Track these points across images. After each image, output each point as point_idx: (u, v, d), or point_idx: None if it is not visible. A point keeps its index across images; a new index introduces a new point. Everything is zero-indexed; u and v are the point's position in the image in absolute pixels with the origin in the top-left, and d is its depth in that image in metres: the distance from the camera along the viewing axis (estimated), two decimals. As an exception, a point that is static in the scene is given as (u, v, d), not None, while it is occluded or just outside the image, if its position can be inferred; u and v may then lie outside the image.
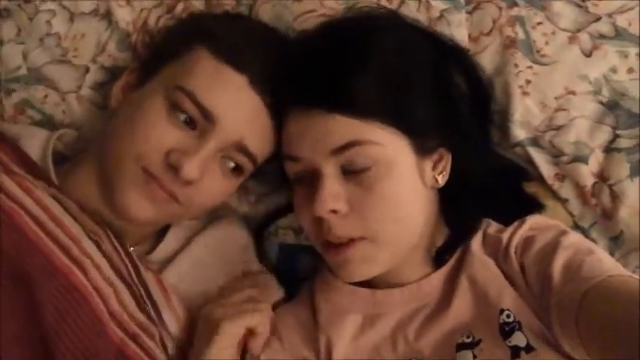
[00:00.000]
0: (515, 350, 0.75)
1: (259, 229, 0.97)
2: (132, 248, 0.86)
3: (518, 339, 0.75)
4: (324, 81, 0.76)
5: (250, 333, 0.80)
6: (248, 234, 0.96)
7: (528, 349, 0.74)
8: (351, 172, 0.76)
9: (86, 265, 0.74)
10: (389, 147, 0.76)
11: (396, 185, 0.77)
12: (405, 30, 0.85)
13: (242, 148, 0.80)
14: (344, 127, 0.75)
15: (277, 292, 0.92)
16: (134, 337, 0.75)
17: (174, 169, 0.77)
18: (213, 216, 0.93)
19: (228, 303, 0.82)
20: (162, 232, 0.91)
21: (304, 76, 0.78)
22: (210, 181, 0.80)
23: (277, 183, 0.94)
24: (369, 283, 0.85)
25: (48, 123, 0.94)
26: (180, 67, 0.80)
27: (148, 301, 0.80)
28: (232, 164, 0.82)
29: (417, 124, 0.78)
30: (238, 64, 0.78)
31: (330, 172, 0.76)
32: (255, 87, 0.79)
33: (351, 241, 0.77)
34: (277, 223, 0.97)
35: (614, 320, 0.66)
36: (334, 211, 0.76)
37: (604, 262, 0.74)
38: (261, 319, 0.80)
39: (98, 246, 0.77)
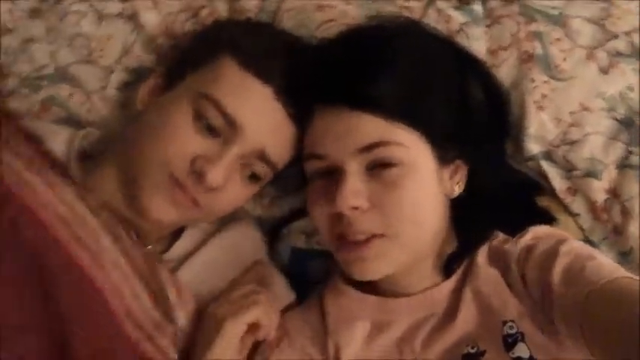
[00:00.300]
0: None
1: (272, 232, 0.98)
2: (149, 247, 0.87)
3: (521, 350, 0.75)
4: (353, 78, 0.77)
5: (255, 327, 0.81)
6: (261, 236, 0.97)
7: None
8: (374, 171, 0.77)
9: (104, 262, 0.75)
10: (413, 150, 0.77)
11: (418, 187, 0.77)
12: (427, 38, 0.86)
13: (263, 157, 0.82)
14: (371, 126, 0.76)
15: (288, 295, 0.93)
16: (150, 338, 0.76)
17: (198, 175, 0.78)
18: (228, 218, 0.94)
19: (228, 300, 0.83)
20: (177, 233, 0.92)
21: (333, 73, 0.79)
22: (231, 188, 0.81)
23: (291, 186, 0.95)
24: (378, 291, 0.86)
25: (72, 121, 0.96)
26: (205, 74, 0.81)
27: (162, 299, 0.81)
28: (252, 172, 0.83)
29: (439, 132, 0.78)
30: (263, 76, 0.80)
31: (353, 169, 0.77)
32: (279, 98, 0.81)
33: (369, 238, 0.77)
34: (290, 227, 0.98)
35: (618, 322, 0.66)
36: (355, 208, 0.76)
37: (606, 266, 0.74)
38: (261, 311, 0.80)
39: (117, 242, 0.78)
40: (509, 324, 0.77)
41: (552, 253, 0.77)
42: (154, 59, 0.96)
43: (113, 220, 0.80)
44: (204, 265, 0.89)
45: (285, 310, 0.91)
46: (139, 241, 0.82)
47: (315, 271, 0.98)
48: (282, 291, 0.93)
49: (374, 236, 0.77)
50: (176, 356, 0.79)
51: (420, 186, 0.78)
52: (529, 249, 0.81)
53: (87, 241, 0.75)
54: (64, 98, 0.96)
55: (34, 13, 0.96)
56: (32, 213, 0.73)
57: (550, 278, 0.75)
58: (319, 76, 0.80)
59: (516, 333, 0.77)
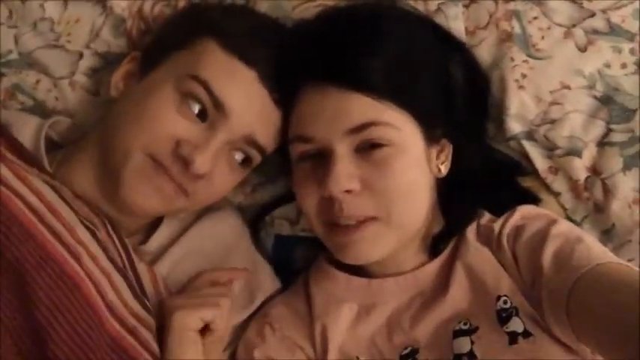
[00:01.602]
0: (513, 336, 0.74)
1: (255, 220, 0.95)
2: (130, 238, 0.84)
3: (516, 325, 0.75)
4: (341, 58, 0.75)
5: (207, 328, 0.76)
6: (243, 223, 0.94)
7: (526, 334, 0.74)
8: (363, 152, 0.75)
9: (81, 254, 0.71)
10: (403, 130, 0.75)
11: (408, 167, 0.76)
12: (410, 18, 0.85)
13: (252, 142, 0.79)
14: (361, 106, 0.74)
15: (273, 283, 0.91)
16: (132, 331, 0.72)
17: (183, 161, 0.75)
18: (208, 207, 0.90)
19: (189, 294, 0.80)
20: (155, 223, 0.88)
21: (322, 53, 0.77)
22: (218, 174, 0.78)
23: (273, 173, 0.93)
24: (364, 272, 0.84)
25: (40, 109, 0.92)
26: (189, 56, 0.78)
27: (140, 292, 0.77)
28: (241, 157, 0.80)
29: (426, 111, 0.78)
30: (248, 60, 0.77)
31: (344, 151, 0.74)
32: (263, 83, 0.78)
33: (362, 222, 0.75)
34: (273, 214, 0.95)
35: (605, 307, 0.66)
36: (348, 191, 0.74)
37: (593, 250, 0.73)
38: (217, 314, 0.76)
39: (93, 234, 0.75)
40: (503, 299, 0.76)
41: (542, 236, 0.77)
42: (124, 44, 0.91)
43: (88, 211, 0.77)
44: (184, 256, 0.86)
45: (270, 299, 0.88)
46: (117, 231, 0.79)
47: (299, 258, 0.96)
48: (268, 279, 0.91)
49: (366, 220, 0.75)
50: (158, 349, 0.75)
51: (410, 166, 0.76)
52: (519, 229, 0.80)
53: (62, 234, 0.72)
54: (30, 85, 0.91)
55: (-5, -3, 0.91)
56: (3, 206, 0.69)
57: (540, 261, 0.74)
58: (307, 56, 0.78)
59: (510, 307, 0.76)
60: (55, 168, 0.80)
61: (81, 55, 0.92)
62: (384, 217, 0.75)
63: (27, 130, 0.82)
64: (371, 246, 0.76)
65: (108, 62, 0.91)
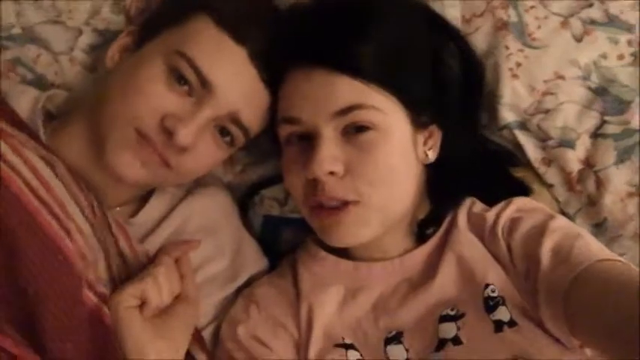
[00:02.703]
0: (499, 324, 0.74)
1: (244, 199, 0.95)
2: (118, 209, 0.85)
3: (502, 314, 0.74)
4: (330, 40, 0.75)
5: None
6: (232, 202, 0.94)
7: (511, 323, 0.74)
8: (349, 136, 0.75)
9: (70, 228, 0.72)
10: (389, 115, 0.75)
11: (393, 152, 0.75)
12: (405, 4, 0.84)
13: (236, 120, 0.79)
14: (348, 89, 0.73)
15: (261, 261, 0.91)
16: (104, 300, 0.72)
17: (168, 133, 0.75)
18: (198, 183, 0.91)
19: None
20: (146, 197, 0.88)
21: (309, 34, 0.77)
22: (203, 149, 0.79)
23: (264, 153, 0.93)
24: (351, 256, 0.83)
25: (39, 82, 0.93)
26: (180, 32, 0.78)
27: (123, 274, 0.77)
28: (226, 136, 0.80)
29: (414, 97, 0.77)
30: (239, 36, 0.77)
31: (329, 134, 0.74)
32: (253, 61, 0.78)
33: (344, 204, 0.75)
34: (262, 194, 0.95)
35: (603, 304, 0.65)
36: (331, 173, 0.74)
37: (592, 247, 0.72)
38: (147, 287, 0.73)
39: (82, 211, 0.75)
40: (491, 287, 0.76)
41: (540, 229, 0.76)
42: (123, 21, 0.92)
43: (78, 187, 0.77)
44: (173, 232, 0.86)
45: (256, 278, 0.89)
46: (103, 211, 0.79)
47: (287, 239, 0.96)
48: (254, 256, 0.91)
49: (348, 203, 0.75)
50: None
51: (394, 151, 0.76)
52: (514, 221, 0.79)
53: (54, 208, 0.72)
54: (30, 59, 0.93)
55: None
56: None
57: (538, 256, 0.73)
58: (297, 38, 0.78)
59: (497, 296, 0.75)
60: (49, 137, 0.81)
61: (80, 32, 0.93)
62: (366, 201, 0.75)
63: (25, 100, 0.83)
64: (355, 228, 0.76)
65: (107, 39, 0.92)
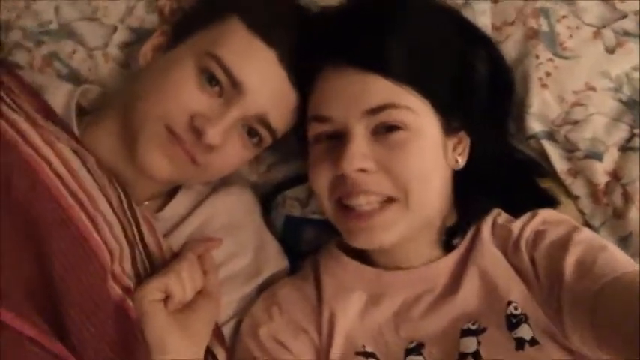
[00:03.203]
0: (520, 342, 0.73)
1: (267, 198, 0.95)
2: (145, 203, 0.87)
3: (524, 331, 0.73)
4: (364, 39, 0.75)
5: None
6: (255, 201, 0.95)
7: (533, 342, 0.72)
8: (379, 136, 0.74)
9: (98, 220, 0.73)
10: (420, 116, 0.74)
11: (424, 151, 0.75)
12: (437, 10, 0.84)
13: (264, 122, 0.80)
14: (380, 88, 0.73)
15: (281, 261, 0.92)
16: (128, 292, 0.73)
17: (197, 132, 0.76)
18: (223, 182, 0.92)
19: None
20: (173, 192, 0.90)
21: (342, 34, 0.77)
22: (230, 149, 0.80)
23: (288, 153, 0.93)
24: (375, 263, 0.83)
25: (73, 77, 0.94)
26: (212, 34, 0.79)
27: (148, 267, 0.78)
28: (253, 137, 0.81)
29: (445, 101, 0.76)
30: (269, 39, 0.78)
31: (360, 132, 0.74)
32: (283, 63, 0.79)
33: (378, 208, 0.74)
34: (285, 195, 0.95)
35: (630, 317, 0.63)
36: (361, 170, 0.73)
37: (618, 259, 0.71)
38: (170, 279, 0.74)
39: (110, 204, 0.76)
40: (514, 304, 0.75)
41: (564, 242, 0.74)
42: (156, 20, 0.94)
43: (108, 180, 0.79)
44: (197, 228, 0.87)
45: (277, 276, 0.89)
46: (130, 205, 0.80)
47: (308, 240, 0.96)
48: (275, 255, 0.91)
49: (383, 206, 0.74)
50: None
51: (426, 150, 0.75)
52: (539, 234, 0.78)
53: (83, 201, 0.73)
54: (66, 54, 0.94)
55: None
56: (27, 163, 0.71)
57: (562, 268, 0.72)
58: (329, 37, 0.78)
59: (521, 314, 0.74)
60: (82, 131, 0.83)
61: (115, 29, 0.95)
62: (402, 199, 0.74)
63: (60, 94, 0.85)
64: (383, 232, 0.75)
65: (140, 37, 0.93)
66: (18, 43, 0.96)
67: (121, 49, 0.96)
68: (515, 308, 0.75)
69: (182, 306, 0.75)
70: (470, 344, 0.75)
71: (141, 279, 0.75)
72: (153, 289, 0.73)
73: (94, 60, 0.96)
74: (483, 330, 0.75)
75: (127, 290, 0.73)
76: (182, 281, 0.75)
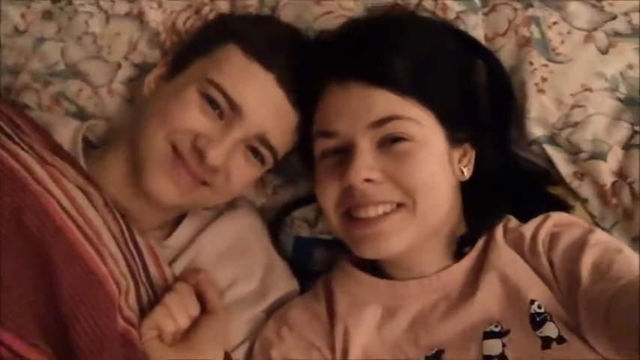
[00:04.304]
0: (547, 341, 0.72)
1: (275, 220, 0.95)
2: (153, 233, 0.87)
3: (550, 330, 0.72)
4: (367, 54, 0.76)
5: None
6: (262, 223, 0.95)
7: (560, 340, 0.72)
8: (385, 148, 0.74)
9: (105, 255, 0.74)
10: (425, 127, 0.75)
11: (430, 160, 0.75)
12: (434, 24, 0.85)
13: (264, 141, 0.81)
14: (385, 101, 0.74)
15: (290, 283, 0.91)
16: (134, 325, 0.74)
17: (200, 153, 0.78)
18: (229, 205, 0.93)
19: None
20: (179, 219, 0.90)
21: (346, 48, 0.79)
22: (235, 168, 0.81)
23: (294, 174, 0.94)
24: (387, 275, 0.82)
25: (80, 114, 0.96)
26: (211, 61, 0.82)
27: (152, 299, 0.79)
28: (256, 157, 0.83)
29: (449, 113, 0.77)
30: (267, 63, 0.80)
31: (365, 144, 0.74)
32: (281, 85, 0.81)
33: (386, 213, 0.74)
34: (293, 216, 0.95)
35: None
36: (368, 180, 0.73)
37: (634, 261, 0.70)
38: (158, 315, 0.75)
39: (115, 240, 0.78)
40: (537, 303, 0.74)
41: (580, 244, 0.74)
42: (159, 55, 0.96)
43: (112, 214, 0.80)
44: (203, 253, 0.88)
45: (286, 298, 0.88)
46: (135, 241, 0.81)
47: (318, 260, 0.95)
48: (283, 277, 0.91)
49: (391, 211, 0.74)
50: None
51: (431, 160, 0.75)
52: (554, 236, 0.77)
53: (90, 236, 0.74)
54: (73, 93, 0.97)
55: (47, 15, 0.99)
56: (37, 201, 0.72)
57: (578, 271, 0.71)
58: (333, 53, 0.79)
59: (545, 312, 0.73)
60: (89, 165, 0.84)
61: (119, 66, 0.97)
62: (410, 205, 0.74)
63: (66, 130, 0.87)
64: (389, 238, 0.75)
65: (143, 72, 0.95)
66: (26, 85, 0.98)
67: (126, 85, 0.98)
68: (539, 307, 0.74)
69: (184, 334, 0.76)
70: (495, 347, 0.74)
71: (145, 312, 0.76)
72: (144, 329, 0.74)
73: (99, 97, 0.98)
74: (507, 332, 0.74)
75: (129, 322, 0.73)
76: (172, 313, 0.75)
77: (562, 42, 0.90)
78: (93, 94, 0.98)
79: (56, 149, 0.83)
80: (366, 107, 0.74)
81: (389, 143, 0.75)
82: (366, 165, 0.73)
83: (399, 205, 0.75)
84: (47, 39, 0.99)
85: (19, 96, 0.98)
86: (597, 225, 0.88)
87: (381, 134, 0.74)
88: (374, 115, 0.74)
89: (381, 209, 0.75)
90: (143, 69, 0.97)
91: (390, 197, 0.74)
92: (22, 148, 0.78)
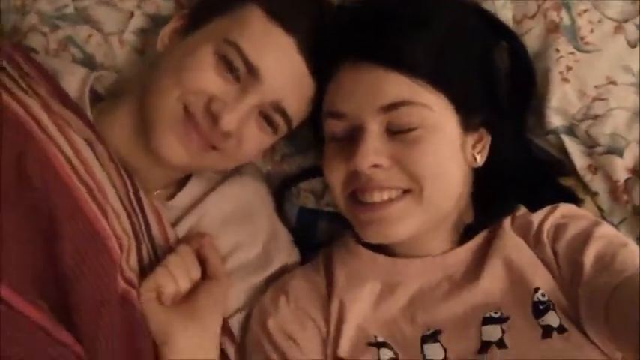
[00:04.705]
0: (547, 330, 0.72)
1: (281, 189, 0.93)
2: (157, 192, 0.85)
3: (551, 319, 0.72)
4: (381, 35, 0.74)
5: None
6: (268, 191, 0.93)
7: (561, 329, 0.71)
8: (395, 132, 0.72)
9: (108, 212, 0.72)
10: (437, 112, 0.73)
11: (440, 147, 0.73)
12: (460, 5, 0.82)
13: (280, 109, 0.79)
14: (396, 84, 0.72)
15: (292, 253, 0.90)
16: (134, 286, 0.73)
17: (213, 117, 0.75)
18: (235, 171, 0.90)
19: None
20: (184, 181, 0.88)
21: (360, 29, 0.76)
22: (247, 135, 0.79)
23: (304, 144, 0.92)
24: (390, 253, 0.81)
25: (89, 62, 0.93)
26: (231, 21, 0.78)
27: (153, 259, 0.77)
28: (269, 124, 0.80)
29: (465, 98, 0.75)
30: (288, 26, 0.77)
31: (374, 128, 0.72)
32: (301, 51, 0.77)
33: (392, 199, 0.73)
34: (299, 186, 0.93)
35: None
36: (375, 166, 0.72)
37: (637, 255, 0.70)
38: (159, 275, 0.74)
39: (118, 195, 0.75)
40: (541, 291, 0.73)
41: (585, 236, 0.74)
42: (172, 7, 0.92)
43: (117, 173, 0.77)
44: (207, 216, 0.86)
45: (287, 269, 0.87)
46: (138, 197, 0.79)
47: (322, 232, 0.94)
48: (286, 246, 0.90)
49: (397, 196, 0.73)
50: None
51: (442, 147, 0.73)
52: (560, 227, 0.77)
53: (94, 191, 0.72)
54: (82, 39, 0.93)
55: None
56: (42, 150, 0.70)
57: (581, 262, 0.71)
58: (349, 31, 0.77)
59: (547, 301, 0.72)
60: (95, 116, 0.81)
61: (132, 14, 0.93)
62: (417, 191, 0.73)
63: (74, 79, 0.84)
64: (396, 224, 0.74)
65: (156, 24, 0.92)
66: (33, 27, 0.94)
67: (137, 36, 0.94)
68: (543, 295, 0.73)
69: (184, 296, 0.75)
70: (493, 332, 0.73)
71: (146, 272, 0.75)
72: (144, 289, 0.73)
73: (109, 45, 0.94)
74: (506, 318, 0.74)
75: (130, 283, 0.72)
76: (172, 274, 0.74)
77: (591, 31, 0.88)
78: (103, 41, 0.94)
79: (63, 98, 0.80)
80: (376, 90, 0.72)
81: (399, 128, 0.73)
82: (374, 150, 0.72)
83: (406, 192, 0.74)
84: (57, -21, 0.94)
85: (25, 38, 0.94)
86: (605, 220, 0.87)
87: (390, 119, 0.73)
88: (384, 98, 0.72)
89: (386, 195, 0.74)
90: (156, 20, 0.93)
91: (396, 183, 0.73)
92: (29, 95, 0.75)
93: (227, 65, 0.77)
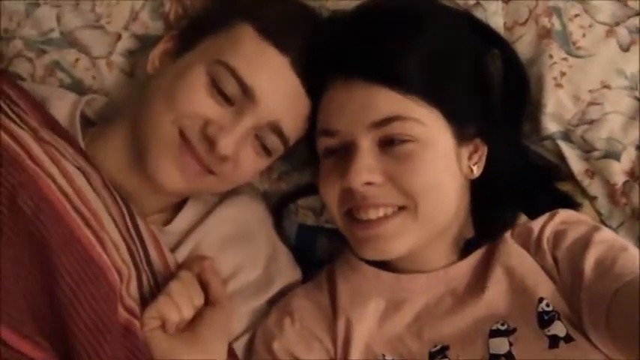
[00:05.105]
0: (554, 340, 0.71)
1: (279, 207, 0.92)
2: (153, 216, 0.83)
3: (558, 328, 0.71)
4: (370, 51, 0.73)
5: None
6: (266, 210, 0.92)
7: (568, 339, 0.71)
8: (387, 148, 0.72)
9: (105, 241, 0.70)
10: (429, 126, 0.72)
11: (433, 162, 0.72)
12: (450, 14, 0.81)
13: (276, 130, 0.77)
14: (387, 100, 0.71)
15: (293, 272, 0.89)
16: (137, 316, 0.71)
17: (210, 141, 0.74)
18: (233, 191, 0.89)
19: None
20: (180, 204, 0.86)
21: (349, 46, 0.75)
22: (244, 158, 0.77)
23: (300, 161, 0.91)
24: (393, 268, 0.80)
25: (77, 87, 0.91)
26: (222, 40, 0.77)
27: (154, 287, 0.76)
28: (264, 145, 0.79)
29: (458, 109, 0.74)
30: (281, 45, 0.76)
31: (366, 145, 0.71)
32: (295, 69, 0.76)
33: (388, 216, 0.72)
34: (297, 203, 0.92)
35: None
36: (368, 184, 0.71)
37: (637, 260, 0.69)
38: (161, 304, 0.72)
39: (115, 224, 0.74)
40: (545, 301, 0.73)
41: (585, 241, 0.73)
42: (162, 27, 0.91)
43: (113, 199, 0.76)
44: (206, 239, 0.84)
45: (289, 288, 0.86)
46: (135, 224, 0.78)
47: (322, 249, 0.93)
48: (288, 266, 0.88)
49: (393, 213, 0.72)
50: None
51: (436, 161, 0.72)
52: (559, 233, 0.76)
53: (89, 220, 0.70)
54: (69, 64, 0.91)
55: (41, -23, 0.91)
56: (33, 181, 0.68)
57: (582, 267, 0.71)
58: (338, 49, 0.76)
59: (553, 311, 0.72)
60: (87, 143, 0.79)
61: (119, 37, 0.91)
62: (412, 207, 0.72)
63: (63, 104, 0.82)
64: (392, 241, 0.73)
65: (145, 44, 0.90)
66: (19, 52, 0.92)
67: (126, 57, 0.92)
68: (547, 305, 0.73)
69: (188, 324, 0.73)
70: (501, 345, 0.73)
71: (146, 300, 0.73)
72: (147, 319, 0.71)
73: (97, 69, 0.92)
74: (513, 330, 0.73)
75: (131, 312, 0.70)
76: (175, 302, 0.72)
77: (583, 35, 0.88)
78: (90, 65, 0.92)
79: (53, 126, 0.79)
80: (367, 106, 0.72)
81: (391, 144, 0.72)
82: (367, 167, 0.71)
83: (401, 208, 0.73)
84: (41, 3, 0.92)
85: (11, 64, 0.92)
86: (604, 223, 0.87)
87: (382, 134, 0.72)
88: (375, 115, 0.71)
89: (381, 212, 0.73)
90: (144, 41, 0.91)
91: (391, 200, 0.72)
92: (19, 125, 0.73)
93: (221, 87, 0.75)
